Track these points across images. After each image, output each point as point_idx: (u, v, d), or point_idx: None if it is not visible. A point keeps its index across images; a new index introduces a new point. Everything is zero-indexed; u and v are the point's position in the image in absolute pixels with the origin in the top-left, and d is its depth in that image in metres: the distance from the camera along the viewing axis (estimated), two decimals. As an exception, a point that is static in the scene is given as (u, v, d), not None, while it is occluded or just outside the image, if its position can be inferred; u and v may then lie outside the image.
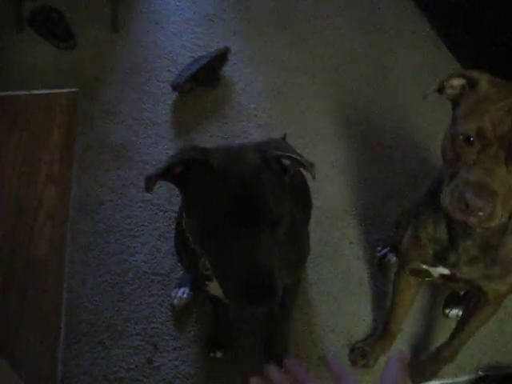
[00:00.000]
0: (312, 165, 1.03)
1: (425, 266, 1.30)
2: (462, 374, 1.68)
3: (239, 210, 0.92)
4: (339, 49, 2.72)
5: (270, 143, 1.04)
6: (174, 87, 2.35)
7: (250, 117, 2.33)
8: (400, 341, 1.70)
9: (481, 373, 1.68)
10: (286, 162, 1.03)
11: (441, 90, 1.09)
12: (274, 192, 0.97)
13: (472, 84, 1.04)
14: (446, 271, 1.26)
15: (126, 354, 1.61)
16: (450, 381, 1.67)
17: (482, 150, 0.95)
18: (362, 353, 1.65)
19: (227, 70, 2.53)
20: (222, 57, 2.47)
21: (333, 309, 1.77)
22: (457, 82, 1.07)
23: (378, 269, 1.88)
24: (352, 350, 1.67)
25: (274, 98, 2.45)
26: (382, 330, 1.62)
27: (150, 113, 2.31)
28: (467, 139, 0.97)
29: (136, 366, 1.59)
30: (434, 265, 1.27)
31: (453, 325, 1.56)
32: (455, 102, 1.08)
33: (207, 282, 1.23)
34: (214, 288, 1.21)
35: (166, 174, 0.97)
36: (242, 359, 1.63)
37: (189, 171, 0.99)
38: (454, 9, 2.69)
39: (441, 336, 1.69)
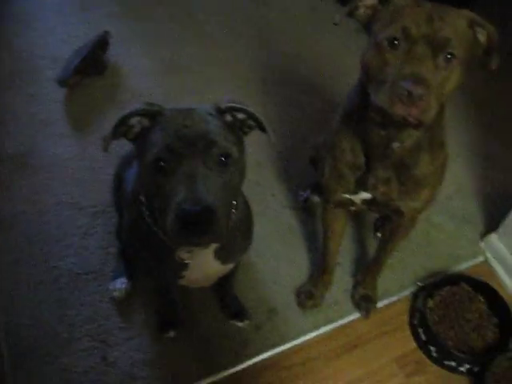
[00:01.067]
0: (268, 128, 1.07)
1: (348, 195, 1.35)
2: (403, 289, 1.78)
3: (183, 144, 0.94)
4: (226, 13, 2.71)
5: (229, 100, 1.06)
6: (61, 83, 2.25)
7: (146, 96, 2.28)
8: (340, 272, 1.77)
9: (419, 283, 1.78)
10: (241, 116, 1.06)
11: (351, 13, 1.13)
12: (222, 133, 0.99)
13: (384, 1, 1.09)
14: (367, 195, 1.32)
15: (78, 359, 1.56)
16: (394, 298, 1.76)
17: (408, 50, 1.01)
18: (307, 295, 1.70)
19: (111, 55, 2.45)
20: (102, 42, 2.38)
21: (271, 262, 1.80)
22: (370, 1, 1.12)
23: (305, 212, 1.93)
24: (298, 295, 1.72)
25: (167, 72, 2.41)
26: (321, 267, 1.68)
27: (43, 114, 2.20)
28: (392, 42, 1.02)
29: (92, 367, 1.55)
30: (356, 192, 1.32)
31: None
32: (368, 25, 1.12)
33: (184, 273, 1.22)
34: (190, 277, 1.23)
35: (122, 132, 1.03)
36: (196, 335, 1.64)
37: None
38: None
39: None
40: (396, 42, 1.02)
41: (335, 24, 1.19)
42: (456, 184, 2.06)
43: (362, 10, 1.13)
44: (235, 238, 1.23)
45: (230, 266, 1.31)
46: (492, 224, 1.91)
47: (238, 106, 1.05)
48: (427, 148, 1.23)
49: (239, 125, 1.07)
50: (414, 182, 1.27)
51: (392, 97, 1.00)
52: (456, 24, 1.05)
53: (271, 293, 1.74)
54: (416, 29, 1.01)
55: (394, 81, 1.00)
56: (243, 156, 1.06)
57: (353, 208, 1.43)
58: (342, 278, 1.78)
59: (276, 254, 1.82)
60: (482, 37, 1.10)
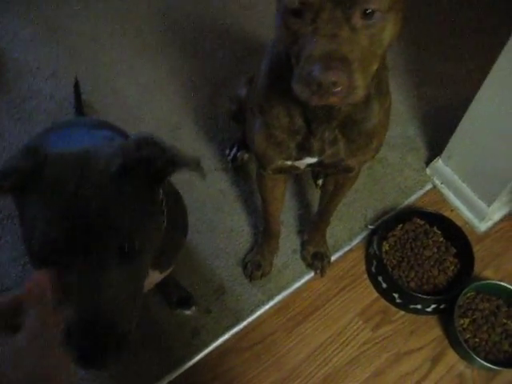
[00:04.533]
0: (198, 163, 0.74)
1: (289, 162, 1.15)
2: (355, 237, 1.64)
3: (72, 234, 0.65)
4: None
5: (137, 141, 0.72)
6: None
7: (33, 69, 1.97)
8: (285, 232, 1.61)
9: (370, 226, 1.65)
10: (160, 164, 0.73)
11: None
12: (129, 209, 0.69)
13: None
14: (313, 160, 1.12)
15: None
16: (347, 248, 1.63)
17: (315, 17, 0.77)
18: (254, 265, 1.54)
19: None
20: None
21: (207, 235, 1.61)
22: None
23: (236, 172, 1.73)
24: (245, 267, 1.55)
25: (48, 38, 2.07)
26: (265, 233, 1.51)
27: None
28: (295, 11, 0.78)
29: None
30: (299, 158, 1.12)
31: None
32: None
33: None
34: None
35: None
36: (145, 333, 1.45)
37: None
38: None
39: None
40: (300, 8, 0.78)
41: None
42: (394, 112, 1.89)
43: None
44: (170, 245, 1.00)
45: (170, 269, 1.11)
46: (436, 148, 1.77)
47: (158, 155, 0.71)
48: (376, 96, 1.03)
49: (153, 175, 0.74)
50: (364, 136, 1.08)
51: (304, 88, 0.79)
52: None
53: (214, 270, 1.56)
54: None
55: (304, 65, 0.78)
56: (157, 223, 0.79)
57: (296, 172, 1.24)
58: (288, 238, 1.62)
59: (211, 224, 1.63)
60: None
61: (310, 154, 1.11)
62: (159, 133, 1.69)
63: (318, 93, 0.78)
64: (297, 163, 1.15)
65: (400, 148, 1.82)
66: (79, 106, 1.74)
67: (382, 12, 0.78)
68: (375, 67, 0.84)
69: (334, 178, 1.34)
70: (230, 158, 1.72)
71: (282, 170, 1.21)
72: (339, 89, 0.76)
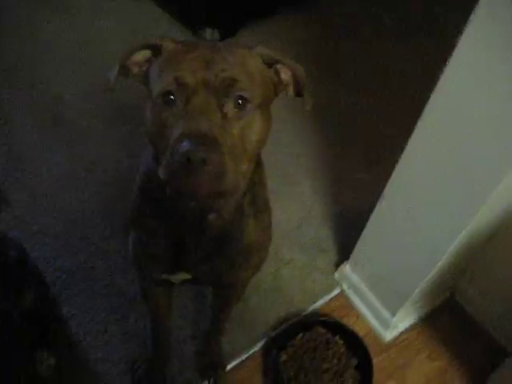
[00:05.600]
0: None
1: (164, 276, 1.11)
2: (254, 344, 1.58)
3: None
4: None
5: None
6: None
7: None
8: (178, 340, 1.54)
9: (271, 334, 1.60)
10: None
11: (125, 72, 0.89)
12: None
13: (156, 51, 0.87)
14: (187, 276, 1.09)
15: None
16: (245, 356, 1.56)
17: (186, 103, 0.77)
18: (145, 376, 1.46)
19: None
20: None
21: (99, 338, 1.53)
22: (141, 57, 0.88)
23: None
24: (133, 377, 1.47)
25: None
26: (153, 340, 1.44)
27: None
28: (167, 98, 0.78)
29: None
30: (173, 272, 1.09)
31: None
32: (145, 80, 0.88)
33: None
34: None
35: None
36: None
37: None
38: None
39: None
40: (172, 97, 0.78)
41: (108, 90, 0.94)
42: (304, 211, 1.89)
43: (135, 70, 0.89)
44: None
45: None
46: (345, 252, 1.76)
47: None
48: (251, 213, 1.00)
49: None
50: (241, 253, 1.05)
51: (170, 167, 0.75)
52: (245, 63, 0.83)
53: (101, 375, 1.48)
54: (191, 76, 0.77)
55: (173, 146, 0.75)
56: None
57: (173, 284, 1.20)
58: (180, 345, 1.55)
59: (106, 327, 1.56)
60: (285, 76, 0.90)
61: (185, 269, 1.07)
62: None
63: (186, 172, 0.73)
64: (171, 278, 1.12)
65: (310, 249, 1.80)
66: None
67: (254, 105, 0.80)
68: (246, 166, 0.83)
69: (219, 291, 1.31)
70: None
71: (158, 283, 1.18)
72: (209, 166, 0.73)
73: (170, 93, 0.79)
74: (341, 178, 2.02)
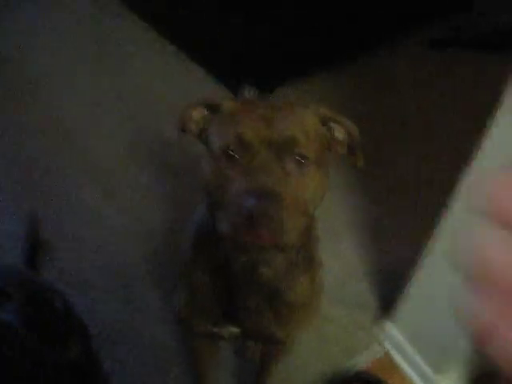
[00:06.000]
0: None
1: (212, 329, 1.12)
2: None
3: None
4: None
5: None
6: None
7: None
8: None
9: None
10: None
11: (184, 129, 0.95)
12: None
13: (214, 110, 0.92)
14: (235, 330, 1.10)
15: None
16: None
17: (249, 159, 0.81)
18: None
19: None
20: None
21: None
22: (198, 114, 0.94)
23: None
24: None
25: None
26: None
27: None
28: (228, 153, 0.82)
29: None
30: (223, 325, 1.10)
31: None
32: (203, 137, 0.93)
33: None
34: None
35: None
36: None
37: None
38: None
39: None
40: (232, 153, 0.82)
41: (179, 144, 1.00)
42: (348, 267, 1.89)
43: (193, 126, 0.94)
44: None
45: None
46: (387, 308, 1.74)
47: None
48: (303, 268, 1.02)
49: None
50: (289, 307, 1.06)
51: (234, 220, 0.78)
52: (303, 121, 0.87)
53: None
54: (253, 133, 0.81)
55: (234, 200, 0.78)
56: None
57: (222, 340, 1.21)
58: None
59: (146, 381, 1.56)
60: (340, 134, 0.94)
61: (233, 323, 1.08)
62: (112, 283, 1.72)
63: (247, 226, 0.76)
64: (220, 331, 1.12)
65: (353, 307, 1.79)
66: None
67: (312, 162, 0.84)
68: (304, 221, 0.84)
69: (266, 346, 1.30)
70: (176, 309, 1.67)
71: (206, 336, 1.18)
72: (272, 221, 0.76)
73: (231, 149, 0.82)
74: (383, 232, 2.02)
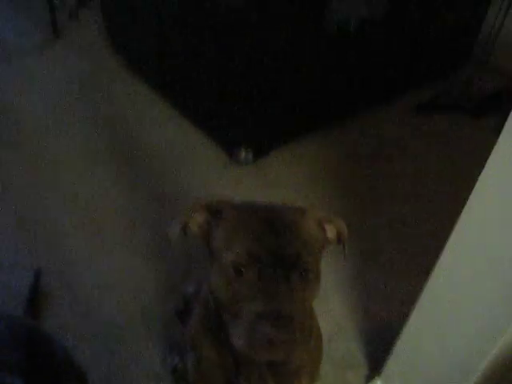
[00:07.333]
0: None
1: None
2: None
3: None
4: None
5: None
6: None
7: None
8: None
9: None
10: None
11: (185, 229, 0.99)
12: None
13: (216, 214, 0.98)
14: None
15: None
16: None
17: (260, 275, 0.87)
18: None
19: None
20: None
21: None
22: (201, 217, 0.99)
23: (176, 380, 1.73)
24: None
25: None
26: None
27: None
28: (239, 270, 0.89)
29: None
30: None
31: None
32: (205, 240, 0.99)
33: None
34: None
35: None
36: None
37: None
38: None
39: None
40: (244, 268, 0.88)
41: (172, 244, 1.00)
42: (335, 324, 1.95)
43: (195, 228, 0.99)
44: None
45: None
46: (376, 366, 1.79)
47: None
48: (301, 341, 1.11)
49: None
50: (291, 375, 1.14)
51: (251, 342, 0.86)
52: (304, 231, 0.94)
53: None
54: (260, 247, 0.88)
55: (250, 321, 0.86)
56: None
57: None
58: None
59: None
60: (331, 234, 1.03)
61: None
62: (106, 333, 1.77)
63: (266, 349, 0.84)
64: None
65: (341, 364, 1.83)
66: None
67: (313, 273, 0.91)
68: (308, 323, 0.94)
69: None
70: (170, 367, 1.73)
71: None
72: (287, 344, 0.84)
73: (241, 264, 0.88)
74: (370, 290, 2.10)
